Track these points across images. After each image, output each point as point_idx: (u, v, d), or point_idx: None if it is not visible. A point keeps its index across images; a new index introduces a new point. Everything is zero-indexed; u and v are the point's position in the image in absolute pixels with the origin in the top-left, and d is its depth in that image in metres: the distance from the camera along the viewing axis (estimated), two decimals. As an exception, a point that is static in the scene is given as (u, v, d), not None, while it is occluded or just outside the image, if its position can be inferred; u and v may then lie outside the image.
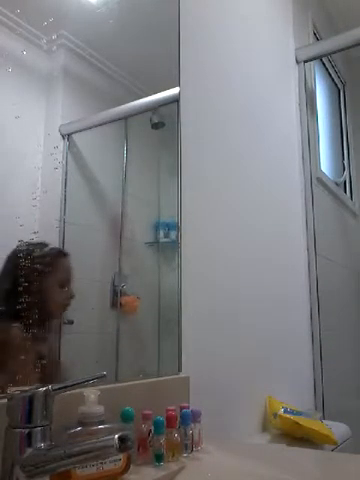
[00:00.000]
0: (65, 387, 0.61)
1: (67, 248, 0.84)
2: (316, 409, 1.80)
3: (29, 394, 0.58)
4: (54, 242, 0.82)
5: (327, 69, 2.63)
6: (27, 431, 0.56)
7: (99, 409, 0.72)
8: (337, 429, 1.46)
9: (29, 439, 0.56)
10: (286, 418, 1.33)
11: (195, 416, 0.89)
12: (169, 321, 1.09)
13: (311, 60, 2.17)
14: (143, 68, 1.10)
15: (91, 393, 0.72)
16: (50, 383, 0.60)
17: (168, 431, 0.83)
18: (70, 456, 0.54)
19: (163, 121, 1.16)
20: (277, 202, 1.74)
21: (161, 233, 1.10)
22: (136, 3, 1.10)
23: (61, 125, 0.85)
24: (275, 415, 1.36)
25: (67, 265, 0.81)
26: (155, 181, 1.13)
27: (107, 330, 0.94)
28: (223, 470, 0.81)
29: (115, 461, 0.70)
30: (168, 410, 0.85)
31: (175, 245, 1.11)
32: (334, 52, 2.23)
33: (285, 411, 1.35)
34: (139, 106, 1.11)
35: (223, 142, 1.40)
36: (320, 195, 2.12)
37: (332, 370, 1.97)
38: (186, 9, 1.24)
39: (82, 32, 0.92)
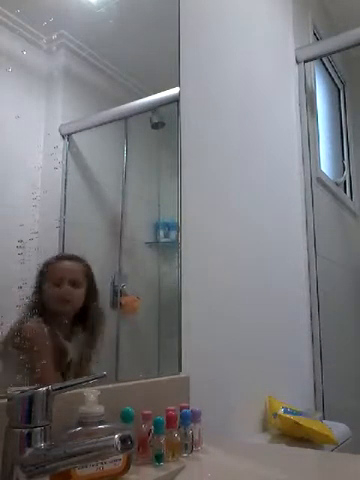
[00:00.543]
0: (65, 387, 0.61)
1: (67, 248, 0.84)
2: (316, 409, 1.80)
3: (29, 394, 0.58)
4: (54, 242, 0.83)
5: (327, 69, 2.63)
6: (27, 431, 0.56)
7: (99, 409, 0.72)
8: (337, 429, 1.46)
9: (29, 439, 0.56)
10: (286, 418, 1.33)
11: (195, 416, 0.89)
12: (169, 321, 1.09)
13: (311, 60, 2.17)
14: (143, 68, 1.10)
15: (91, 393, 0.72)
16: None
17: (168, 431, 0.83)
18: (70, 456, 0.54)
19: (163, 121, 1.16)
20: (277, 202, 1.74)
21: (161, 233, 1.10)
22: (136, 3, 1.10)
23: (61, 125, 0.85)
24: (275, 415, 1.35)
25: (60, 266, 0.83)
26: (155, 181, 1.13)
27: (107, 330, 0.94)
28: (223, 470, 0.81)
29: (115, 461, 0.70)
30: (168, 410, 0.85)
31: (175, 245, 1.11)
32: (334, 52, 2.23)
33: (285, 411, 1.35)
34: (139, 106, 1.11)
35: (223, 142, 1.40)
36: (320, 195, 2.12)
37: (332, 370, 1.97)
38: (186, 9, 1.24)
39: (82, 32, 0.92)
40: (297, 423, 1.31)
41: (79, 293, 0.85)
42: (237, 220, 1.43)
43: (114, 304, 0.95)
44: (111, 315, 0.95)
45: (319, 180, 2.13)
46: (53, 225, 0.82)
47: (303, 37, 2.21)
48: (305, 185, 2.01)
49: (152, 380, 0.95)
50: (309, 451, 1.02)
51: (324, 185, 2.21)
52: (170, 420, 0.84)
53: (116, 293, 0.95)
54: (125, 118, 1.06)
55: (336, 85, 2.81)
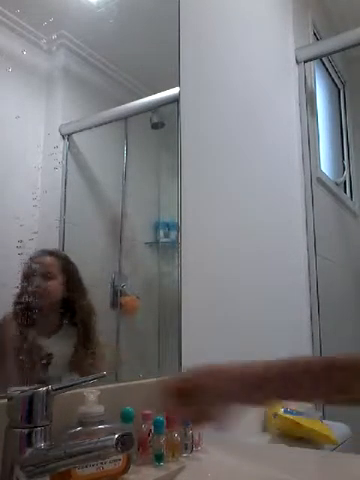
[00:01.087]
0: (65, 387, 0.61)
1: (67, 248, 0.84)
2: (316, 409, 1.79)
3: (29, 394, 0.58)
4: (54, 242, 0.83)
5: (327, 69, 2.63)
6: (27, 431, 0.56)
7: (99, 409, 0.72)
8: (337, 429, 1.46)
9: (29, 439, 0.56)
10: (286, 418, 1.33)
11: (195, 416, 0.89)
12: (169, 321, 1.09)
13: (311, 60, 2.17)
14: (143, 68, 1.10)
15: (91, 393, 0.72)
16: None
17: (168, 431, 0.83)
18: (70, 456, 0.54)
19: (163, 121, 1.16)
20: (277, 202, 1.74)
21: (161, 233, 1.10)
22: (136, 3, 1.10)
23: (61, 125, 0.85)
24: (275, 415, 1.35)
25: (33, 261, 0.80)
26: (155, 181, 1.13)
27: (107, 330, 0.94)
28: (223, 470, 0.81)
29: (115, 461, 0.70)
30: (168, 410, 0.85)
31: (175, 245, 1.11)
32: (334, 52, 2.23)
33: (285, 411, 1.35)
34: (139, 106, 1.11)
35: (223, 142, 1.40)
36: (320, 195, 2.12)
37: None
38: (186, 9, 1.24)
39: (82, 32, 0.92)
40: (297, 423, 1.31)
41: (52, 286, 0.82)
42: (237, 220, 1.43)
43: (114, 304, 0.95)
44: (111, 315, 0.95)
45: (319, 180, 2.13)
46: (53, 225, 0.82)
47: (303, 37, 2.21)
48: (305, 185, 2.01)
49: (152, 380, 0.95)
50: (309, 451, 1.02)
51: (324, 185, 2.21)
52: (170, 420, 0.84)
53: (116, 293, 0.95)
54: (125, 118, 1.06)
55: (336, 85, 2.81)
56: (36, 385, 0.60)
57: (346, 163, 2.75)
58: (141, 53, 1.09)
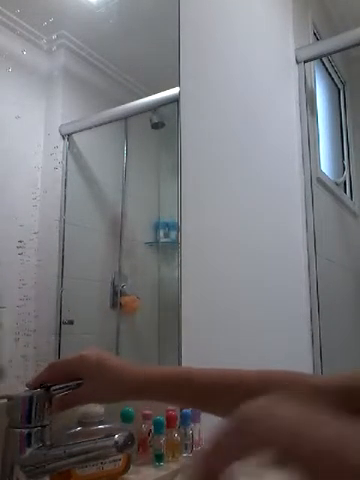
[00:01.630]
0: (65, 387, 0.61)
1: (67, 248, 0.84)
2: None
3: (29, 394, 0.58)
4: (54, 242, 0.83)
5: (327, 69, 2.63)
6: (27, 431, 0.56)
7: (99, 409, 0.72)
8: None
9: (29, 439, 0.56)
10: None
11: (195, 416, 0.89)
12: (169, 321, 1.09)
13: (311, 60, 2.17)
14: (143, 68, 1.10)
15: (91, 393, 0.72)
16: None
17: (168, 431, 0.83)
18: (70, 456, 0.54)
19: (163, 121, 1.16)
20: (277, 202, 1.74)
21: (161, 233, 1.10)
22: (136, 3, 1.10)
23: (61, 125, 0.85)
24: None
25: None
26: (155, 181, 1.13)
27: (107, 330, 0.94)
28: (223, 470, 0.81)
29: (115, 461, 0.70)
30: (168, 410, 0.85)
31: (175, 245, 1.11)
32: (334, 52, 2.23)
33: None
34: (139, 106, 1.11)
35: (223, 142, 1.40)
36: (320, 195, 2.12)
37: (332, 370, 1.97)
38: (186, 9, 1.24)
39: (82, 32, 0.92)
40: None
41: None
42: (237, 220, 1.43)
43: (114, 304, 0.95)
44: (111, 315, 0.95)
45: (319, 180, 2.13)
46: (53, 225, 0.82)
47: (303, 37, 2.21)
48: (305, 185, 2.01)
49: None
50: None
51: (324, 185, 2.21)
52: (170, 420, 0.84)
53: (116, 293, 0.95)
54: (125, 118, 1.06)
55: (336, 85, 2.81)
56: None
57: (346, 163, 2.75)
58: (141, 53, 1.09)
